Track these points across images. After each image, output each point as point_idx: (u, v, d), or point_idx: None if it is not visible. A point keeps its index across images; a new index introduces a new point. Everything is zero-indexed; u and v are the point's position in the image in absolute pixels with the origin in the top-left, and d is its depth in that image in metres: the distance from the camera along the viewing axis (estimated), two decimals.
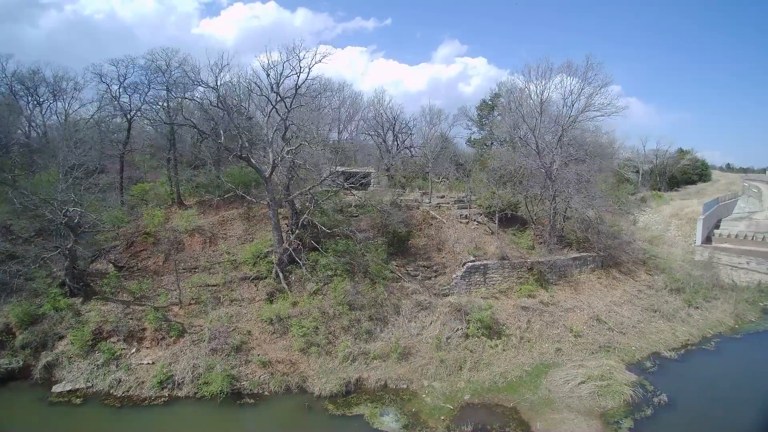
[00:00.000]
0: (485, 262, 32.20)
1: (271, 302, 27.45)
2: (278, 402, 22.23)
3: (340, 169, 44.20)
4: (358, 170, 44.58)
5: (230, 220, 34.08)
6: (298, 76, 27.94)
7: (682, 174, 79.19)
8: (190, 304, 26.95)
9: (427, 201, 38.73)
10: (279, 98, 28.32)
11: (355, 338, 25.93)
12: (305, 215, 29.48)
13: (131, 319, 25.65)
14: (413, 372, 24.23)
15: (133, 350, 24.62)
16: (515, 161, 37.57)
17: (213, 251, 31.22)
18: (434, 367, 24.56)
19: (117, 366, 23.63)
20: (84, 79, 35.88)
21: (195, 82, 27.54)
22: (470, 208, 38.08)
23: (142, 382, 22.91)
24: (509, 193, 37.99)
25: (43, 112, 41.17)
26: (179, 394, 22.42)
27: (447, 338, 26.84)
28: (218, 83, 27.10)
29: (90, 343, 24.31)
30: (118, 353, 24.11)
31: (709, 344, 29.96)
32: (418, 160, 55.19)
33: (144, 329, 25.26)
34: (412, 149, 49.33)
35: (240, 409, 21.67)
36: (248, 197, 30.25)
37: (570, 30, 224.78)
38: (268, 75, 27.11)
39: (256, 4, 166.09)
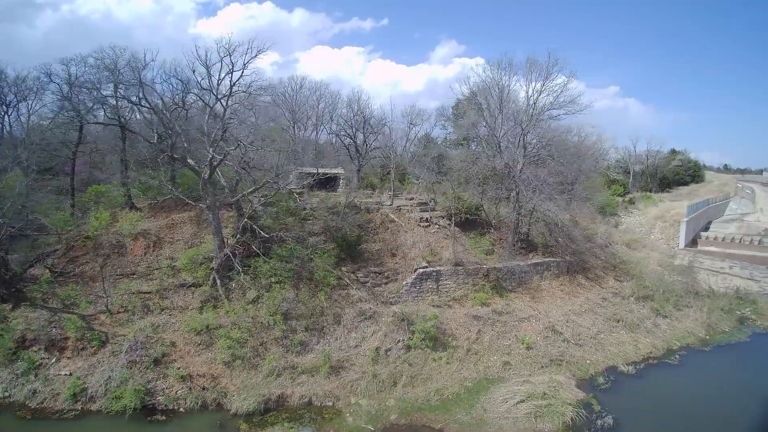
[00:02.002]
0: (438, 268, 29.94)
1: (204, 311, 25.54)
2: (191, 420, 20.34)
3: (304, 170, 42.32)
4: (325, 171, 42.54)
5: (180, 223, 32.23)
6: (232, 75, 25.97)
7: (674, 175, 75.74)
8: (118, 312, 25.17)
9: (389, 203, 36.50)
10: (216, 98, 26.38)
11: (287, 351, 23.91)
12: (245, 219, 27.51)
13: (55, 327, 23.93)
14: (342, 388, 22.15)
15: (54, 360, 22.91)
16: (479, 162, 35.12)
17: (156, 256, 29.39)
18: (366, 383, 22.42)
19: (36, 376, 21.95)
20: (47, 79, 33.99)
21: (107, 80, 25.71)
22: (432, 210, 35.81)
23: (57, 394, 21.16)
24: (473, 194, 35.57)
25: (9, 114, 39.82)
26: (92, 408, 20.63)
27: (387, 350, 24.70)
28: (141, 80, 25.26)
29: (12, 351, 22.68)
30: (38, 363, 22.38)
31: (673, 357, 27.37)
32: (397, 160, 53.13)
33: (66, 338, 23.47)
34: (386, 149, 46.85)
35: (149, 426, 19.83)
36: (188, 200, 28.34)
37: (569, 30, 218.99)
38: (194, 71, 25.30)
39: (253, 5, 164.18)
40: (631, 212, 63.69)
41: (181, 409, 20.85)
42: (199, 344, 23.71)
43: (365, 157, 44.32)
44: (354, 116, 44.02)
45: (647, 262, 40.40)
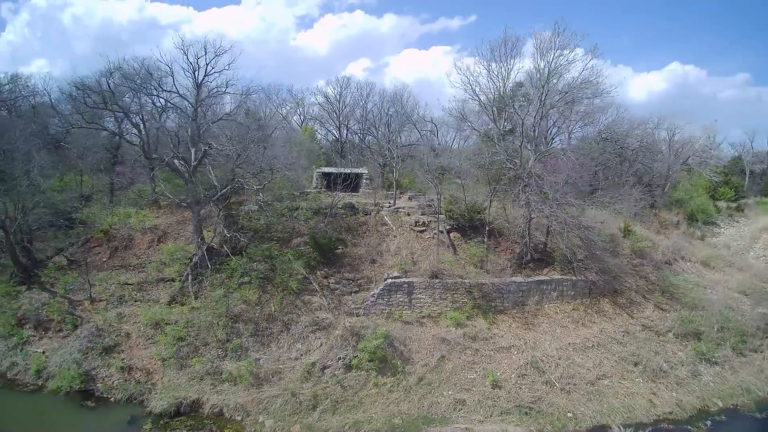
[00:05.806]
0: (412, 279, 25.57)
1: (171, 306, 25.14)
2: (113, 410, 19.94)
3: (324, 169, 40.53)
4: (342, 171, 40.18)
5: (189, 219, 32.73)
6: (196, 75, 25.05)
7: None
8: (100, 300, 26.10)
9: (388, 205, 32.73)
10: (186, 100, 25.86)
11: (225, 354, 22.25)
12: (216, 218, 26.59)
13: (46, 309, 25.57)
14: (257, 403, 19.73)
15: (38, 338, 24.49)
16: (488, 160, 29.48)
17: (156, 250, 30.12)
18: (282, 401, 19.68)
19: (21, 351, 23.65)
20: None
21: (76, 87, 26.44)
22: (427, 214, 31.11)
23: (28, 369, 22.48)
24: (477, 196, 30.03)
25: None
26: (48, 385, 21.44)
27: (324, 368, 21.54)
28: (109, 85, 25.67)
29: (12, 326, 24.77)
30: (25, 339, 24.12)
31: (701, 424, 19.35)
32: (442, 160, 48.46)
33: (51, 320, 24.97)
34: (382, 147, 42.29)
35: (76, 409, 19.92)
36: (176, 199, 28.39)
37: (688, 12, 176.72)
38: (151, 75, 24.79)
39: (345, 14, 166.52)
40: (737, 221, 49.56)
41: (112, 399, 20.64)
42: (149, 338, 23.34)
43: (390, 156, 40.65)
44: (380, 113, 40.89)
45: (721, 286, 30.17)
